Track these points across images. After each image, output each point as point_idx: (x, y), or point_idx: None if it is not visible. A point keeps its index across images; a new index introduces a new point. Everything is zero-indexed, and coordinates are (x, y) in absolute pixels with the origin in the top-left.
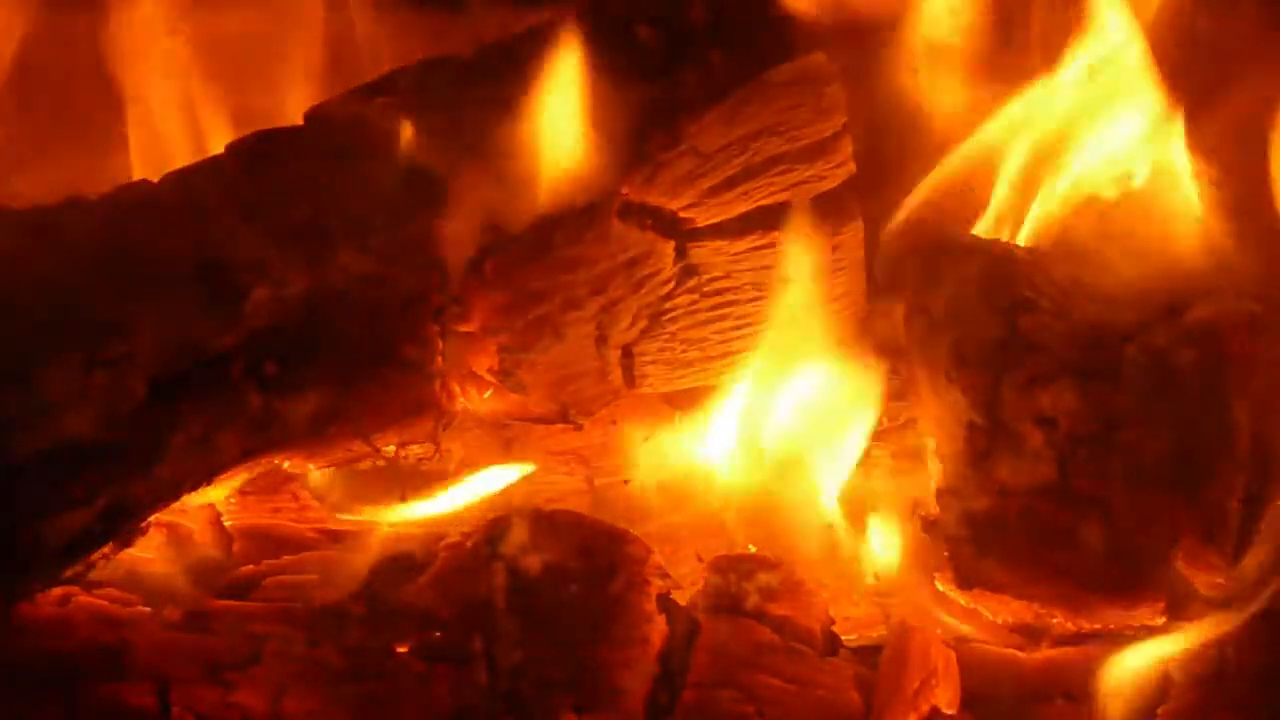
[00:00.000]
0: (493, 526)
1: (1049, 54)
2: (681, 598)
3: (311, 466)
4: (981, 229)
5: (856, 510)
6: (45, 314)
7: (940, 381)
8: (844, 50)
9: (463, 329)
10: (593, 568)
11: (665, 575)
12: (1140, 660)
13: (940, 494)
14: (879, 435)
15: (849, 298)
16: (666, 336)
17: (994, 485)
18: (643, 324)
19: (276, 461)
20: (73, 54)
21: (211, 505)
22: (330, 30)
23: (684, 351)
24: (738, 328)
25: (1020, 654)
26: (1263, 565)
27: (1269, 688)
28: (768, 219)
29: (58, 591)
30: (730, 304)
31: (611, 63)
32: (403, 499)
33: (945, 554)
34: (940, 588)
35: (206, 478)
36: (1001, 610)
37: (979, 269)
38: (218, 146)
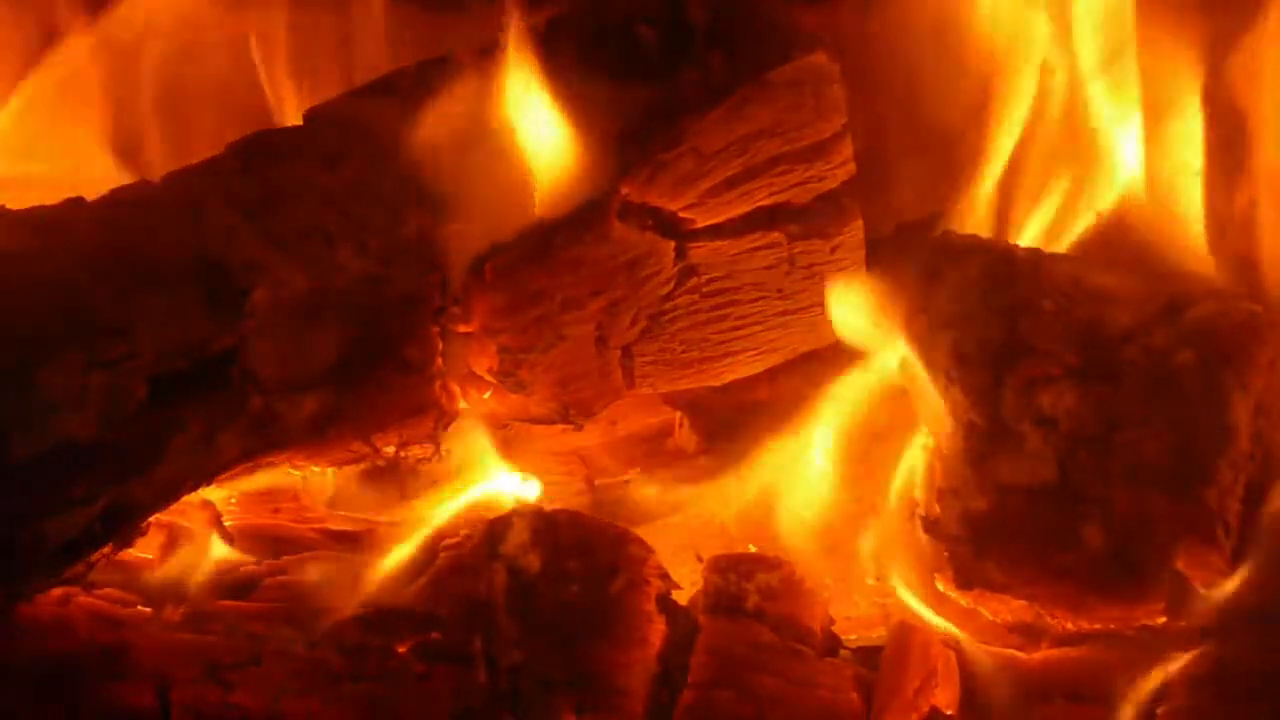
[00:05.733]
0: (493, 526)
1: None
2: (681, 598)
3: (312, 466)
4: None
5: (856, 510)
6: (45, 314)
7: (940, 381)
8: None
9: (463, 329)
10: (593, 568)
11: (665, 575)
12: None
13: (940, 494)
14: (878, 435)
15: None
16: (667, 337)
17: (994, 485)
18: (643, 324)
19: (277, 461)
20: None
21: (211, 505)
22: (330, 30)
23: (684, 352)
24: (738, 328)
25: (1020, 654)
26: (1262, 566)
27: (1268, 689)
28: (768, 219)
29: (58, 591)
30: (730, 304)
31: (611, 63)
32: (403, 499)
33: (945, 554)
34: (940, 588)
35: (206, 478)
36: (1001, 610)
37: (979, 269)
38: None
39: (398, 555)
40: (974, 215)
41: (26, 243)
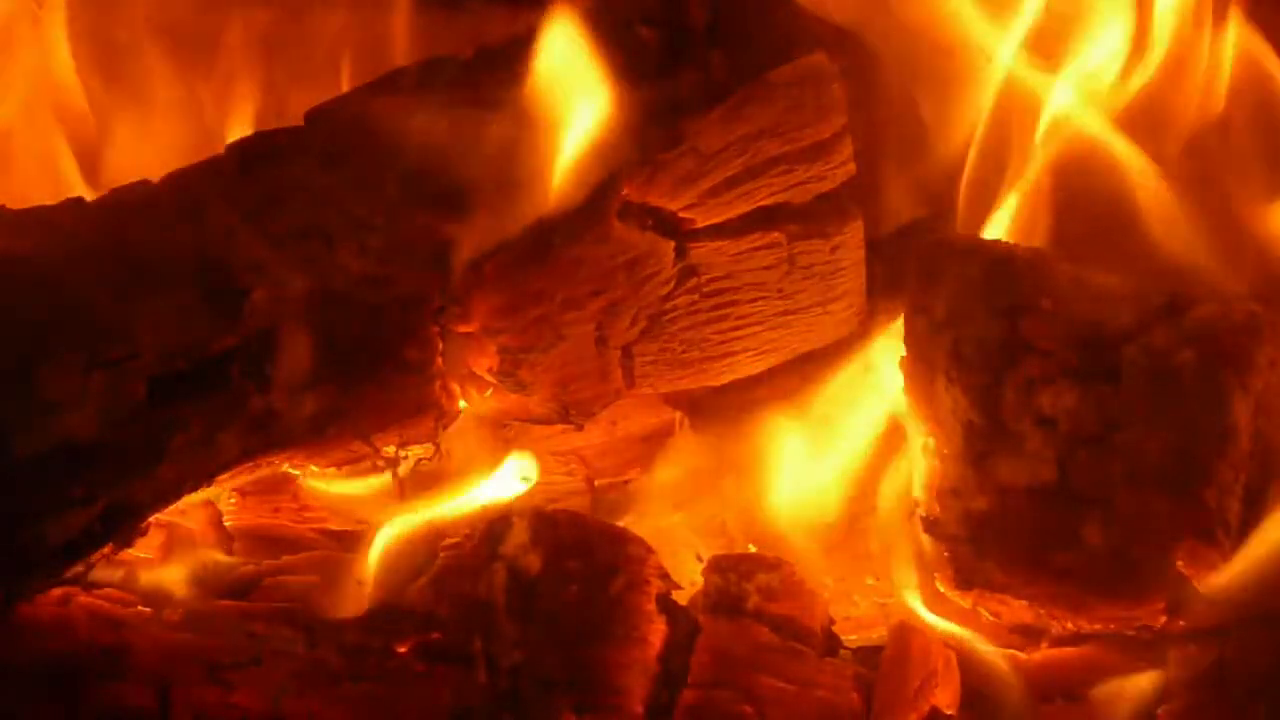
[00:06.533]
0: (493, 526)
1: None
2: (681, 598)
3: (312, 466)
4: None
5: (856, 510)
6: (45, 314)
7: (940, 381)
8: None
9: (463, 329)
10: (593, 568)
11: (665, 575)
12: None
13: (940, 494)
14: (878, 435)
15: (849, 298)
16: (667, 337)
17: (994, 485)
18: (643, 324)
19: (276, 461)
20: None
21: (211, 505)
22: (330, 30)
23: (684, 352)
24: (738, 328)
25: (1020, 654)
26: (1262, 566)
27: (1268, 689)
28: (768, 219)
29: (58, 591)
30: (730, 304)
31: (611, 63)
32: (402, 499)
33: (945, 554)
34: (940, 588)
35: (206, 478)
36: (1001, 610)
37: (979, 269)
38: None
39: (397, 555)
40: (973, 215)
41: (27, 243)
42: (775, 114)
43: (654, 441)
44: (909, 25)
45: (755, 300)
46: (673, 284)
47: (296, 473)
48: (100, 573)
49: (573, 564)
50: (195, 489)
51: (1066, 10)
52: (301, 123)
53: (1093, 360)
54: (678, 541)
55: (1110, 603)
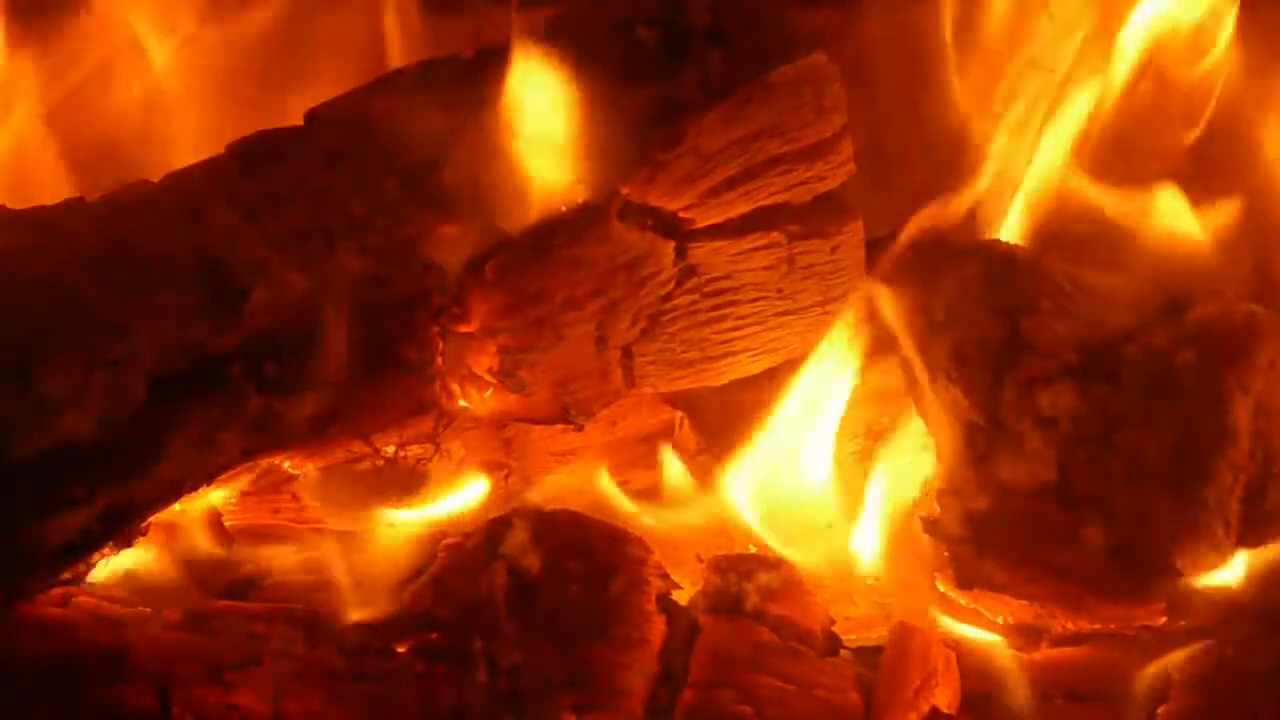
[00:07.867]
0: (493, 526)
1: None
2: (681, 598)
3: (311, 466)
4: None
5: (856, 510)
6: (45, 314)
7: (940, 381)
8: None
9: (463, 329)
10: (593, 568)
11: (665, 575)
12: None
13: (940, 494)
14: (878, 434)
15: (849, 298)
16: (666, 337)
17: (994, 485)
18: (643, 324)
19: (276, 461)
20: None
21: (211, 505)
22: (330, 30)
23: (684, 352)
24: (738, 328)
25: (1020, 654)
26: (1262, 565)
27: (1269, 689)
28: (768, 219)
29: (58, 591)
30: (730, 304)
31: (611, 63)
32: (402, 499)
33: (945, 554)
34: (940, 588)
35: (206, 478)
36: (1001, 610)
37: (979, 270)
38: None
39: (397, 555)
40: (974, 215)
41: (26, 243)
42: (775, 114)
43: (654, 441)
44: (910, 25)
45: (755, 300)
46: (673, 284)
47: (297, 472)
48: (100, 573)
49: (573, 564)
50: (195, 489)
51: (1068, 13)
52: (301, 123)
53: (1093, 360)
54: (678, 541)
55: (1110, 603)
